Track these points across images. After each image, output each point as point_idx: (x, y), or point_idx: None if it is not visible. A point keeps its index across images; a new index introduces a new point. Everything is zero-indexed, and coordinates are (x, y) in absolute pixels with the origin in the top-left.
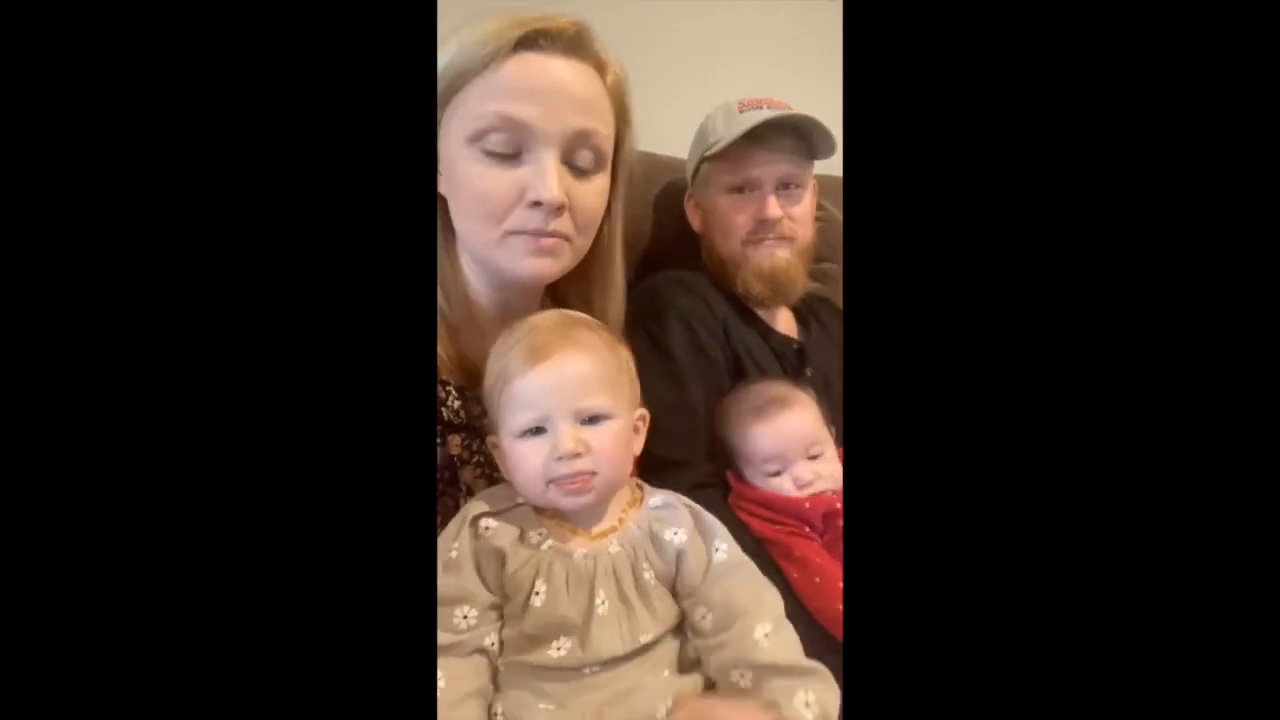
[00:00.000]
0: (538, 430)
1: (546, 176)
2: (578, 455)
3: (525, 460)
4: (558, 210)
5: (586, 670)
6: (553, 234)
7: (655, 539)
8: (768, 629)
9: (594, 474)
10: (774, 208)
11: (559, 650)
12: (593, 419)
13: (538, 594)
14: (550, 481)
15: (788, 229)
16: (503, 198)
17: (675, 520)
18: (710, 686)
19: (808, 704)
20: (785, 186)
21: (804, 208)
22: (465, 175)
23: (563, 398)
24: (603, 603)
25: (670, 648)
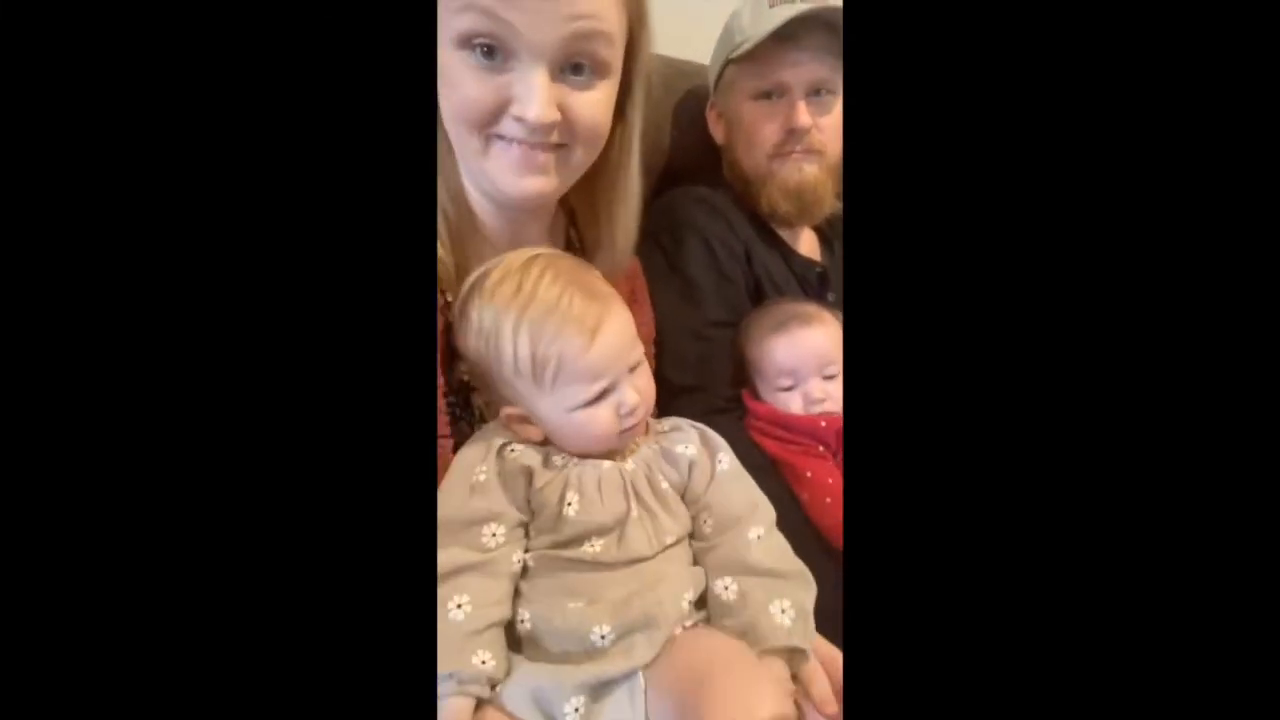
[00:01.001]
0: (596, 399)
1: (533, 92)
2: (638, 405)
3: (594, 424)
4: (546, 128)
5: (616, 567)
6: (542, 147)
7: (667, 453)
8: (760, 531)
9: (644, 411)
10: (804, 115)
11: (593, 547)
12: (637, 365)
13: (570, 504)
14: (619, 434)
15: (817, 141)
16: (487, 105)
17: (684, 438)
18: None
19: (784, 610)
20: (816, 93)
21: (835, 117)
22: (453, 79)
23: (621, 359)
24: (633, 507)
25: (686, 548)
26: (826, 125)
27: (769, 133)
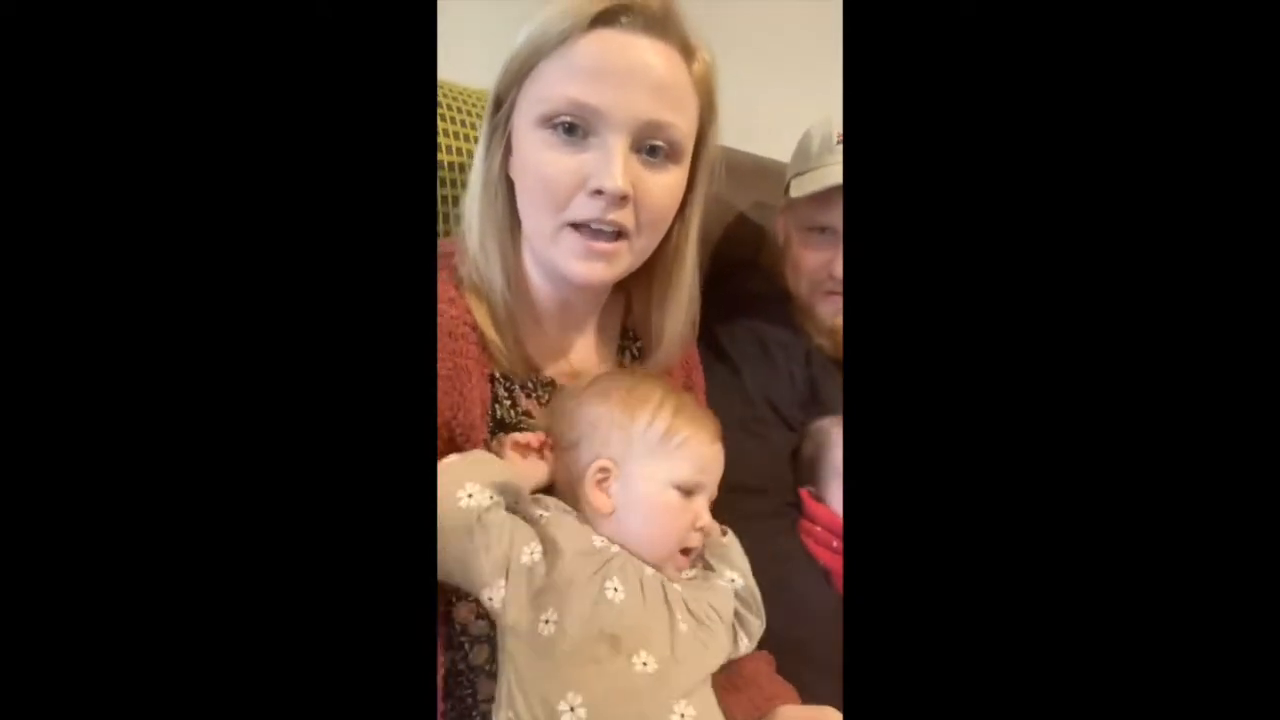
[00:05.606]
0: (689, 491)
1: (611, 164)
2: (709, 530)
3: (676, 513)
4: (620, 201)
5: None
6: (612, 229)
7: (710, 581)
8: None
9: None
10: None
11: (645, 665)
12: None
13: (616, 590)
14: (681, 550)
15: None
16: (565, 184)
17: (729, 564)
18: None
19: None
20: None
21: None
22: (531, 158)
23: (716, 477)
24: (682, 621)
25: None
26: None
27: (813, 269)
